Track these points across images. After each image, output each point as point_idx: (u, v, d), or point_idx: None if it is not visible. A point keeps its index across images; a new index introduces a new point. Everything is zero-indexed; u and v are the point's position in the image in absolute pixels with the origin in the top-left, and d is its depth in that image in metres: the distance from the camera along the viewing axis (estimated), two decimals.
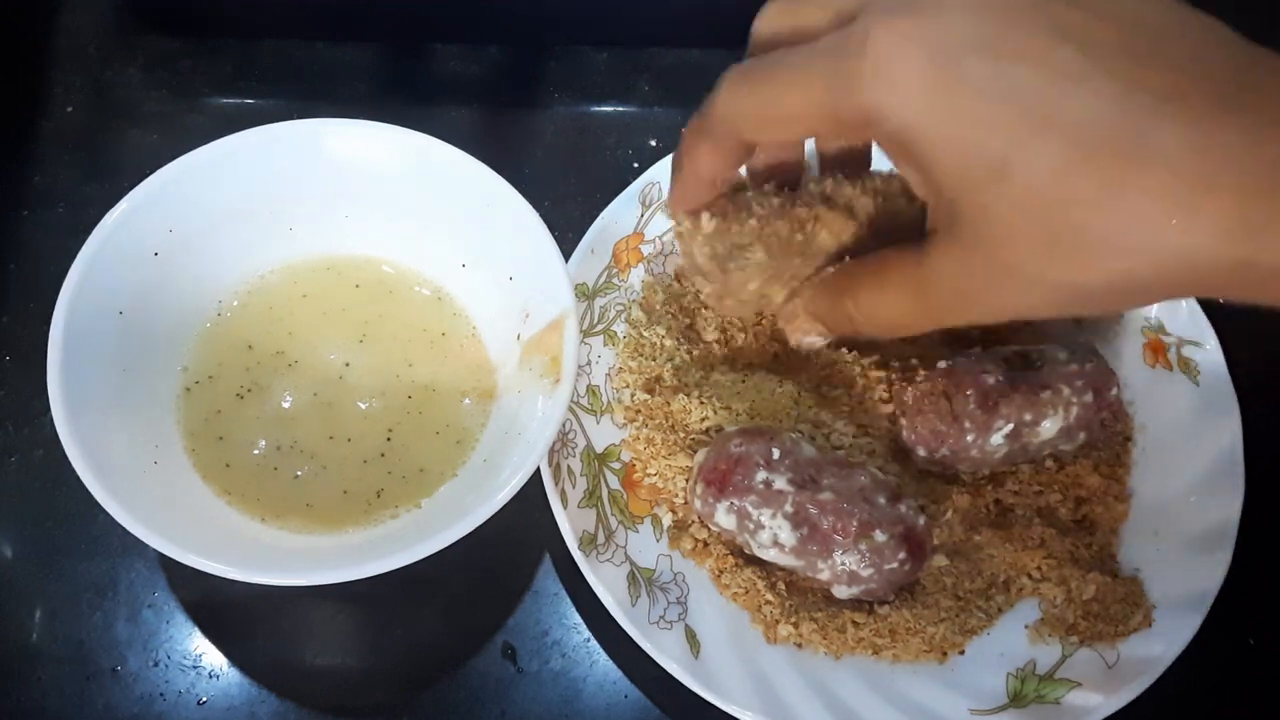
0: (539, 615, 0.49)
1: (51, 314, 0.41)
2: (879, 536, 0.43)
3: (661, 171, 0.53)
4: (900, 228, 0.37)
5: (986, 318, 0.32)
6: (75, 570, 0.49)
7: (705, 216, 0.38)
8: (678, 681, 0.44)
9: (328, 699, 0.47)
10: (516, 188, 0.45)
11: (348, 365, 0.47)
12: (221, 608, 0.48)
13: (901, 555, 0.44)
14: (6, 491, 0.50)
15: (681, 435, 0.49)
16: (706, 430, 0.49)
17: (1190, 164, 0.27)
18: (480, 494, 0.41)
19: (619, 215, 0.52)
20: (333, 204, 0.48)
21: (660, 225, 0.53)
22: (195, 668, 0.47)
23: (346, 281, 0.49)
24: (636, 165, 0.58)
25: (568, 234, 0.51)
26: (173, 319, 0.46)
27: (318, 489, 0.45)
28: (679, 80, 0.61)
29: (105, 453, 0.40)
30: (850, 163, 0.40)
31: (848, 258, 0.38)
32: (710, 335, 0.51)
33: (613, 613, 0.45)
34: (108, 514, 0.38)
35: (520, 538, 0.50)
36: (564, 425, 0.48)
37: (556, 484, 0.47)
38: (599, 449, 0.49)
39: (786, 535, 0.44)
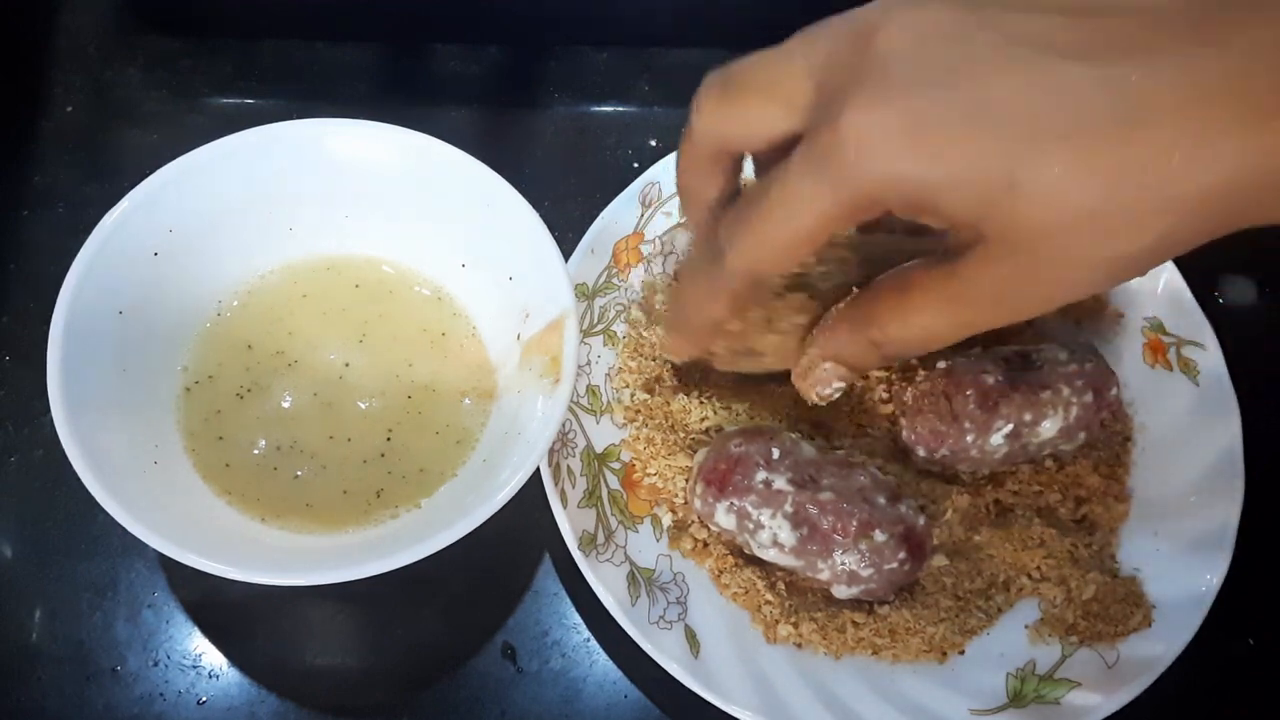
0: (539, 615, 0.49)
1: (51, 314, 0.41)
2: (879, 536, 0.43)
3: (661, 171, 0.53)
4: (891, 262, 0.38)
5: (1031, 314, 0.33)
6: (75, 570, 0.49)
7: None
8: (678, 681, 0.44)
9: (328, 699, 0.47)
10: (516, 188, 0.45)
11: (348, 365, 0.47)
12: (221, 608, 0.48)
13: (901, 555, 0.44)
14: (6, 491, 0.50)
15: (681, 435, 0.49)
16: (706, 430, 0.49)
17: (1187, 109, 0.28)
18: (480, 494, 0.41)
19: (619, 215, 0.52)
20: (333, 204, 0.48)
21: (660, 225, 0.53)
22: (195, 668, 0.47)
23: (346, 281, 0.49)
24: (636, 165, 0.58)
25: (568, 234, 0.51)
26: (172, 319, 0.46)
27: (317, 489, 0.45)
28: (679, 80, 0.60)
29: (105, 453, 0.40)
30: None
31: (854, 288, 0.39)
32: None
33: (612, 613, 0.45)
34: (108, 514, 0.38)
35: (520, 538, 0.50)
36: (564, 425, 0.48)
37: (556, 484, 0.47)
38: (599, 449, 0.49)
39: (786, 535, 0.44)
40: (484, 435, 0.47)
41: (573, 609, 0.49)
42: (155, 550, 0.38)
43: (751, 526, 0.44)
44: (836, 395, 0.41)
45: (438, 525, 0.40)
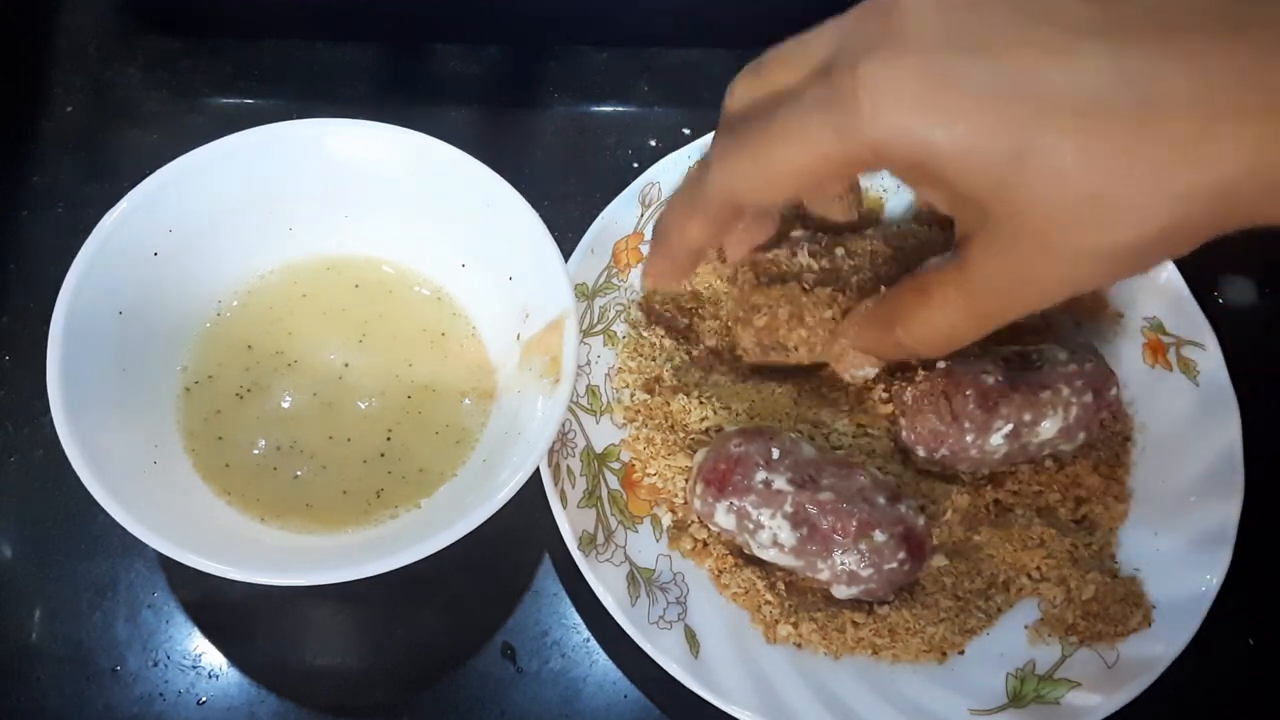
0: (539, 615, 0.49)
1: (51, 314, 0.41)
2: (878, 536, 0.43)
3: (661, 171, 0.53)
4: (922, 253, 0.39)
5: (1038, 304, 0.33)
6: (75, 570, 0.49)
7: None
8: (677, 681, 0.44)
9: (328, 699, 0.47)
10: (516, 188, 0.45)
11: (347, 365, 0.48)
12: (221, 608, 0.48)
13: (901, 555, 0.44)
14: (6, 491, 0.50)
15: (681, 435, 0.49)
16: (706, 430, 0.49)
17: (1201, 99, 0.27)
18: (480, 494, 0.41)
19: (619, 215, 0.52)
20: (333, 204, 0.48)
21: None
22: (195, 668, 0.47)
23: (346, 281, 0.49)
24: (636, 165, 0.58)
25: (568, 234, 0.51)
26: (172, 319, 0.46)
27: (317, 489, 0.45)
28: (679, 80, 0.61)
29: (105, 453, 0.40)
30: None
31: (882, 288, 0.39)
32: (709, 340, 0.51)
33: (612, 613, 0.45)
34: (107, 514, 0.38)
35: (520, 538, 0.50)
36: (563, 425, 0.48)
37: (556, 484, 0.47)
38: (598, 449, 0.49)
39: (786, 535, 0.44)
40: (484, 435, 0.47)
41: (572, 609, 0.49)
42: (155, 550, 0.38)
43: (751, 526, 0.44)
44: (871, 376, 0.42)
45: (437, 525, 0.40)
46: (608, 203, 0.52)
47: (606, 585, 0.45)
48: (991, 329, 0.35)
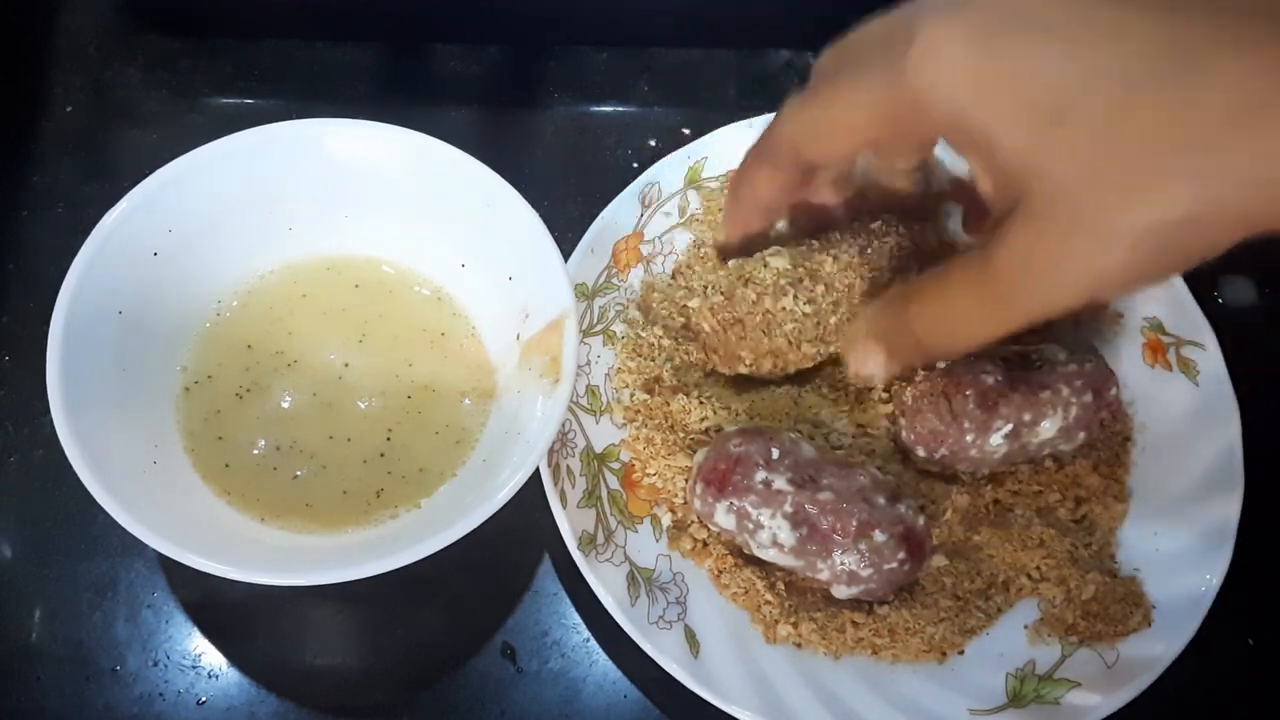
0: (538, 615, 0.49)
1: (51, 314, 0.41)
2: (878, 536, 0.43)
3: (661, 171, 0.53)
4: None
5: (1058, 298, 0.31)
6: (75, 570, 0.49)
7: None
8: (677, 681, 0.44)
9: (328, 699, 0.47)
10: (516, 188, 0.45)
11: (347, 365, 0.47)
12: (221, 608, 0.48)
13: (901, 555, 0.44)
14: (6, 491, 0.50)
15: (681, 435, 0.49)
16: (706, 430, 0.49)
17: (1250, 81, 0.27)
18: (480, 494, 0.41)
19: (618, 215, 0.52)
20: (333, 204, 0.48)
21: (660, 225, 0.53)
22: (195, 668, 0.47)
23: (346, 281, 0.49)
24: (636, 165, 0.58)
25: (567, 234, 0.51)
26: (172, 319, 0.46)
27: (317, 489, 0.45)
28: (679, 80, 0.61)
29: (105, 453, 0.40)
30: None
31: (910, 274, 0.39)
32: (698, 350, 0.51)
33: (612, 613, 0.45)
34: (107, 514, 0.38)
35: (520, 538, 0.50)
36: (563, 425, 0.48)
37: (556, 484, 0.47)
38: (598, 449, 0.49)
39: (786, 535, 0.44)
40: (484, 435, 0.47)
41: (572, 609, 0.49)
42: (155, 550, 0.38)
43: (751, 526, 0.44)
44: (875, 382, 0.42)
45: (437, 525, 0.40)
46: (608, 203, 0.52)
47: (606, 585, 0.45)
48: (1012, 327, 0.33)
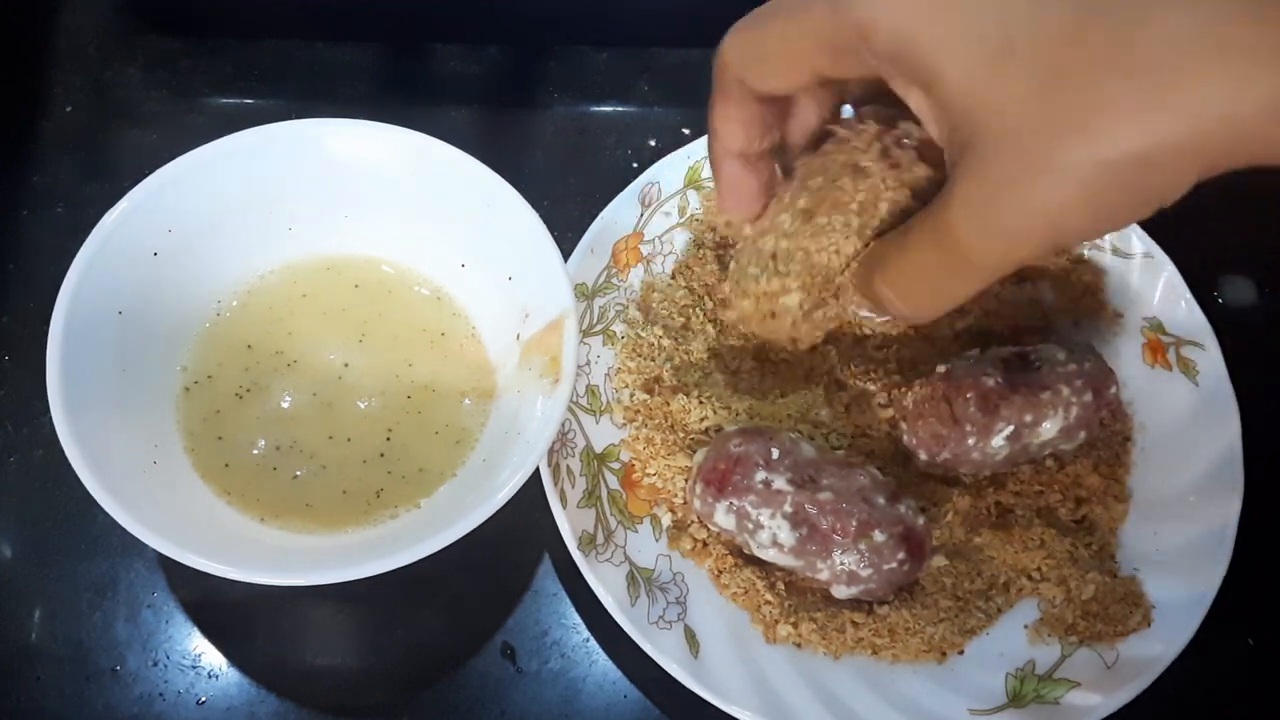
0: (538, 615, 0.49)
1: (51, 314, 0.41)
2: (878, 536, 0.43)
3: (661, 171, 0.53)
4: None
5: (1015, 247, 0.29)
6: (75, 570, 0.49)
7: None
8: (677, 681, 0.44)
9: (328, 699, 0.47)
10: (516, 188, 0.45)
11: (347, 365, 0.47)
12: (221, 608, 0.48)
13: (901, 555, 0.44)
14: (6, 491, 0.50)
15: (681, 435, 0.49)
16: (706, 430, 0.49)
17: (1206, 7, 0.25)
18: (479, 494, 0.41)
19: (618, 215, 0.52)
20: (332, 204, 0.48)
21: (659, 225, 0.53)
22: (195, 668, 0.47)
23: (346, 281, 0.49)
24: (636, 165, 0.58)
25: (567, 234, 0.51)
26: (172, 319, 0.46)
27: (317, 489, 0.45)
28: (679, 80, 0.61)
29: (104, 453, 0.40)
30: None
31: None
32: (698, 350, 0.51)
33: (612, 613, 0.45)
34: (107, 514, 0.38)
35: (520, 538, 0.50)
36: (563, 425, 0.48)
37: (556, 484, 0.47)
38: (598, 449, 0.49)
39: (786, 535, 0.44)
40: (483, 435, 0.47)
41: (572, 609, 0.49)
42: (155, 550, 0.38)
43: (751, 526, 0.44)
44: (874, 323, 0.38)
45: (437, 525, 0.40)
46: (607, 203, 0.52)
47: (606, 585, 0.45)
48: (983, 282, 0.31)
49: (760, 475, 0.44)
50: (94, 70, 0.60)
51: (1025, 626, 0.47)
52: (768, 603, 0.46)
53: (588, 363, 0.50)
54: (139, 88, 0.60)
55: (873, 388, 0.50)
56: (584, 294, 0.51)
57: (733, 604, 0.47)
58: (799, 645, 0.46)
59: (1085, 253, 0.53)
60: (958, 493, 0.48)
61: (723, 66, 0.34)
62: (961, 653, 0.47)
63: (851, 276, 0.37)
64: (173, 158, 0.44)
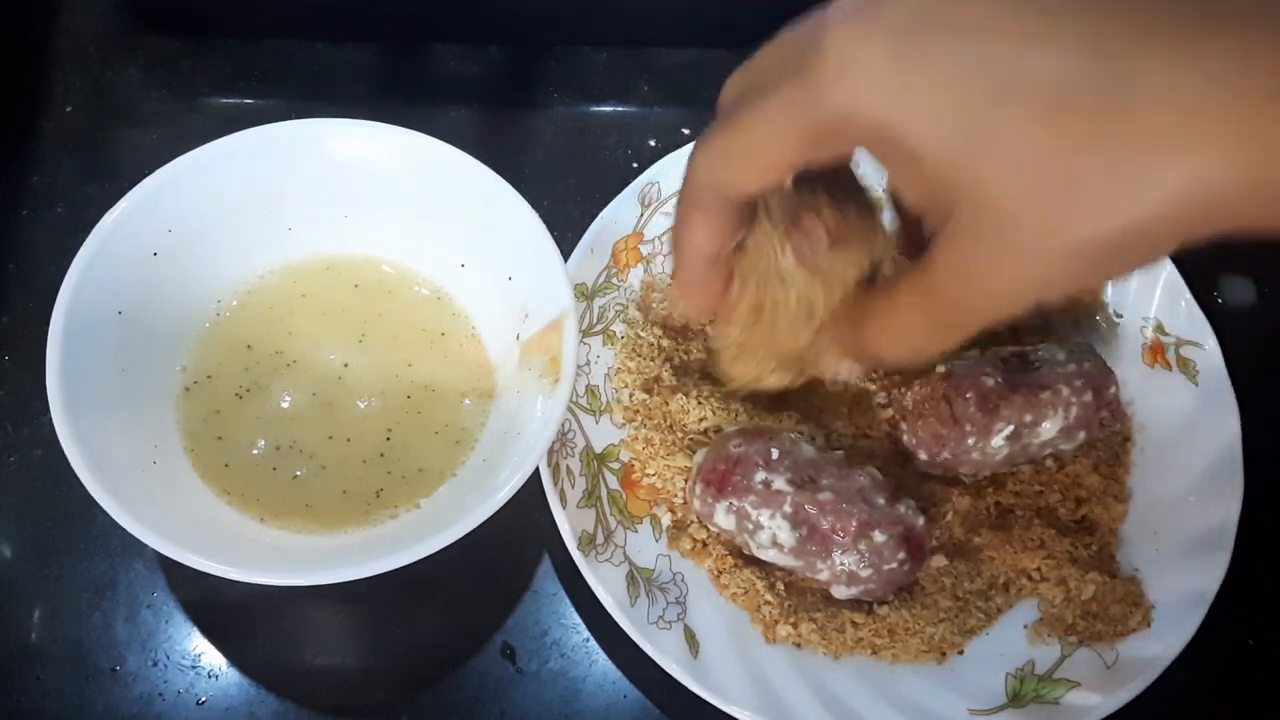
0: (538, 615, 0.49)
1: (51, 314, 0.41)
2: (878, 537, 0.43)
3: (660, 171, 0.53)
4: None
5: (999, 308, 0.30)
6: (74, 570, 0.49)
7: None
8: (677, 681, 0.44)
9: (327, 699, 0.47)
10: (516, 188, 0.45)
11: (347, 365, 0.47)
12: (221, 608, 0.48)
13: (901, 555, 0.44)
14: (6, 491, 0.50)
15: (680, 435, 0.49)
16: (705, 430, 0.49)
17: (1180, 92, 0.26)
18: (479, 494, 0.41)
19: (618, 215, 0.52)
20: (332, 204, 0.48)
21: (660, 225, 0.53)
22: (194, 668, 0.47)
23: (346, 281, 0.49)
24: (636, 165, 0.58)
25: (567, 234, 0.51)
26: (172, 319, 0.46)
27: (317, 489, 0.45)
28: (679, 80, 0.61)
29: (104, 453, 0.40)
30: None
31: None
32: (697, 350, 0.51)
33: (612, 613, 0.45)
34: (107, 514, 0.38)
35: (519, 538, 0.50)
36: (563, 425, 0.48)
37: (555, 484, 0.47)
38: (598, 449, 0.49)
39: (785, 535, 0.44)
40: (483, 435, 0.47)
41: (572, 609, 0.49)
42: (155, 550, 0.38)
43: (751, 527, 0.44)
44: (850, 380, 0.40)
45: (437, 525, 0.40)
46: (607, 203, 0.52)
47: (606, 585, 0.45)
48: (956, 339, 0.32)
49: (760, 475, 0.44)
50: (94, 70, 0.60)
51: (1025, 626, 0.47)
52: (767, 603, 0.46)
53: (587, 363, 0.50)
54: (139, 88, 0.60)
55: (873, 388, 0.50)
56: (584, 294, 0.51)
57: (732, 604, 0.47)
58: (799, 645, 0.46)
59: None
60: (958, 493, 0.48)
61: (694, 176, 0.34)
62: (961, 653, 0.47)
63: (834, 335, 0.37)
64: (173, 158, 0.44)
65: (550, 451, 0.47)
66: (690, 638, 0.45)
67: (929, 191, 0.30)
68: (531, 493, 0.44)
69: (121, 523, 0.38)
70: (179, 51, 0.60)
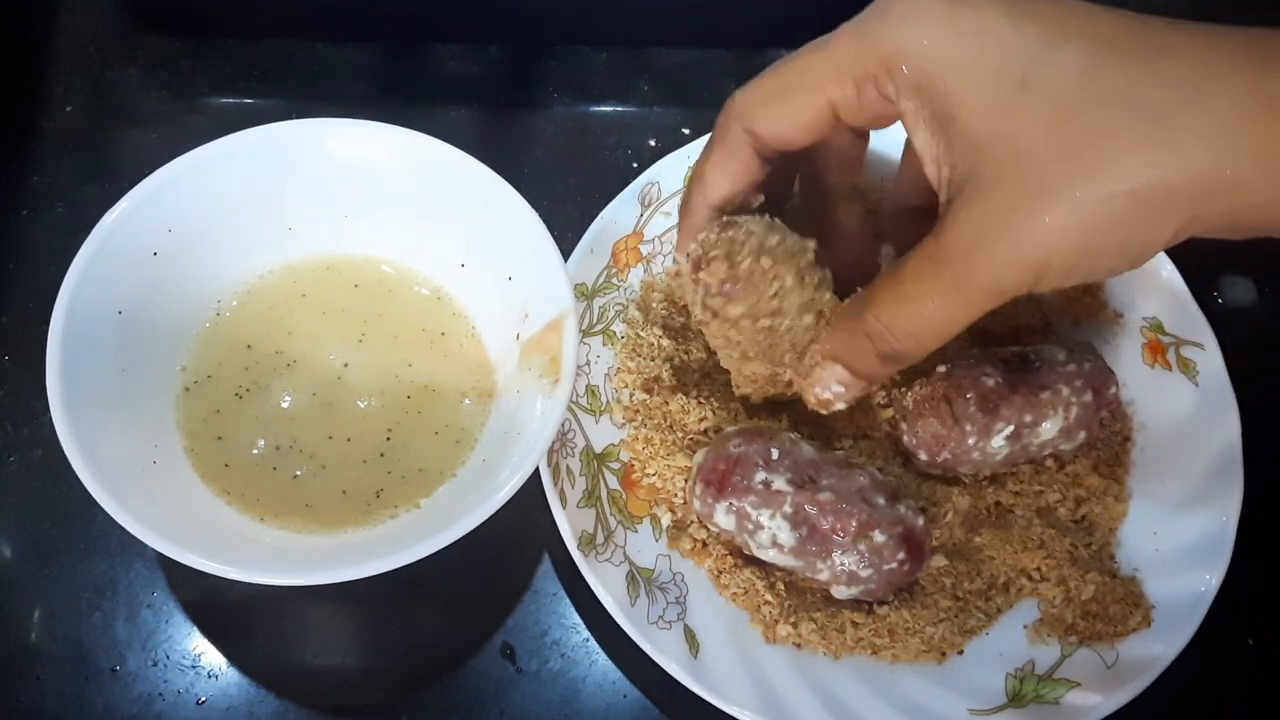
0: (538, 615, 0.49)
1: (51, 314, 0.41)
2: (878, 537, 0.43)
3: (660, 171, 0.53)
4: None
5: (1010, 275, 0.31)
6: (74, 570, 0.49)
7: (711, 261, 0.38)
8: (677, 681, 0.44)
9: (327, 699, 0.47)
10: (516, 188, 0.45)
11: (347, 365, 0.48)
12: (221, 608, 0.48)
13: (900, 555, 0.44)
14: (6, 491, 0.50)
15: (680, 435, 0.49)
16: (705, 430, 0.49)
17: (1209, 52, 0.28)
18: (479, 494, 0.41)
19: (618, 215, 0.52)
20: (332, 204, 0.48)
21: (660, 225, 0.53)
22: (194, 667, 0.47)
23: (346, 281, 0.49)
24: (636, 165, 0.58)
25: (567, 234, 0.51)
26: (172, 319, 0.46)
27: (317, 489, 0.45)
28: (679, 80, 0.61)
29: (104, 452, 0.40)
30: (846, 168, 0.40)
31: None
32: (697, 350, 0.51)
33: (612, 613, 0.45)
34: (107, 514, 0.38)
35: (519, 538, 0.50)
36: (563, 425, 0.48)
37: (555, 484, 0.47)
38: (598, 449, 0.49)
39: (785, 535, 0.44)
40: (483, 435, 0.47)
41: (572, 609, 0.49)
42: (155, 550, 0.38)
43: (751, 527, 0.44)
44: (839, 405, 0.41)
45: (437, 525, 0.40)
46: (607, 203, 0.52)
47: (606, 585, 0.45)
48: (972, 312, 0.32)
49: (760, 476, 0.44)
50: (94, 70, 0.60)
51: (1025, 626, 0.47)
52: (767, 603, 0.46)
53: (587, 363, 0.50)
54: (139, 88, 0.60)
55: (873, 387, 0.50)
56: (584, 294, 0.51)
57: (732, 604, 0.47)
58: (799, 645, 0.46)
59: None
60: (958, 493, 0.48)
61: (729, 114, 0.36)
62: (961, 653, 0.47)
63: (837, 321, 0.38)
64: (173, 158, 0.44)
65: (550, 451, 0.47)
66: (690, 638, 0.45)
67: (951, 157, 0.31)
68: (531, 493, 0.44)
69: (121, 523, 0.38)
70: (179, 51, 0.60)
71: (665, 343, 0.51)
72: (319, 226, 0.48)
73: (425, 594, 0.49)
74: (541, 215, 0.45)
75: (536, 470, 0.44)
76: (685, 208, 0.39)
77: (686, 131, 0.59)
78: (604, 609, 0.45)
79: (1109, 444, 0.50)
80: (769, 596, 0.46)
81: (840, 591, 0.45)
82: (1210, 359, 0.50)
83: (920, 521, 0.45)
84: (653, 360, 0.50)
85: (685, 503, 0.48)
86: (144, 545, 0.38)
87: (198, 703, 0.47)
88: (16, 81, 0.59)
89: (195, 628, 0.48)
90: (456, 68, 0.61)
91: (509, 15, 0.61)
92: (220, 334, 0.48)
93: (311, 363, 0.47)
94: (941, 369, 0.47)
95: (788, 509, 0.44)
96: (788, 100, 0.34)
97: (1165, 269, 0.51)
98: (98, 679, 0.47)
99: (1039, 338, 0.52)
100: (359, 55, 0.61)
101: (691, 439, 0.49)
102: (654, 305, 0.52)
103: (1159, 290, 0.52)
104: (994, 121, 0.29)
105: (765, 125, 0.35)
